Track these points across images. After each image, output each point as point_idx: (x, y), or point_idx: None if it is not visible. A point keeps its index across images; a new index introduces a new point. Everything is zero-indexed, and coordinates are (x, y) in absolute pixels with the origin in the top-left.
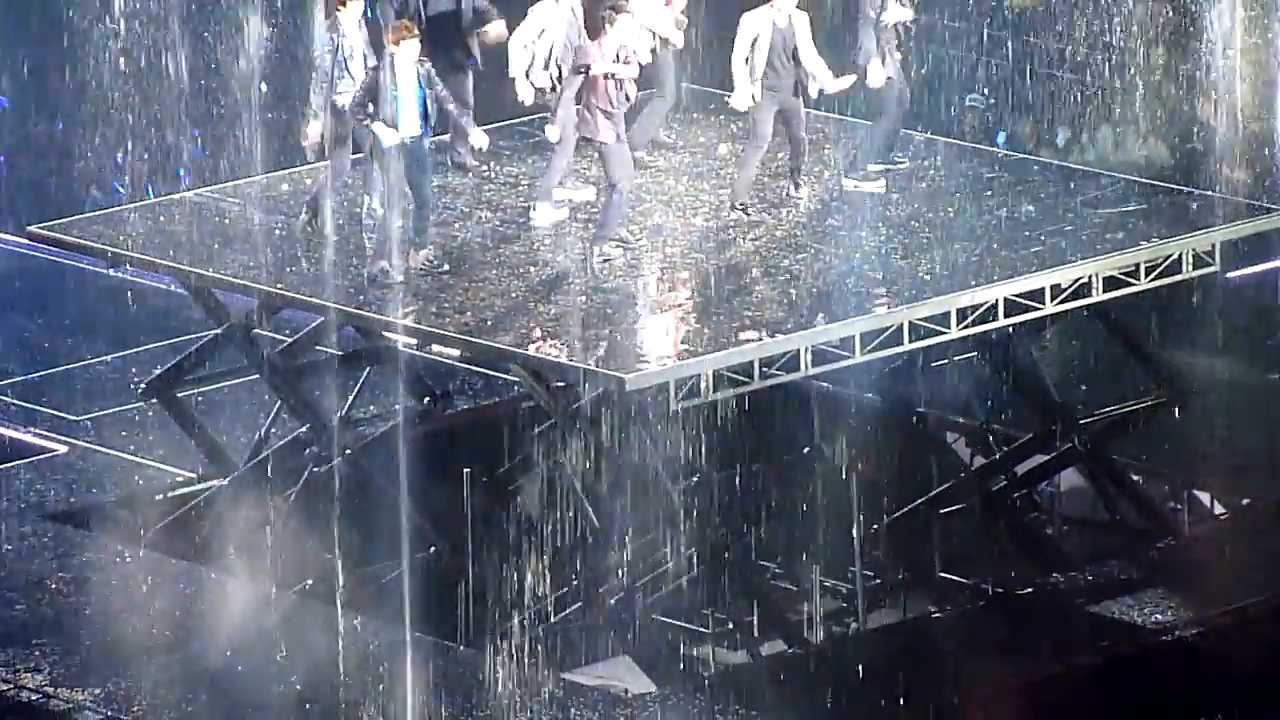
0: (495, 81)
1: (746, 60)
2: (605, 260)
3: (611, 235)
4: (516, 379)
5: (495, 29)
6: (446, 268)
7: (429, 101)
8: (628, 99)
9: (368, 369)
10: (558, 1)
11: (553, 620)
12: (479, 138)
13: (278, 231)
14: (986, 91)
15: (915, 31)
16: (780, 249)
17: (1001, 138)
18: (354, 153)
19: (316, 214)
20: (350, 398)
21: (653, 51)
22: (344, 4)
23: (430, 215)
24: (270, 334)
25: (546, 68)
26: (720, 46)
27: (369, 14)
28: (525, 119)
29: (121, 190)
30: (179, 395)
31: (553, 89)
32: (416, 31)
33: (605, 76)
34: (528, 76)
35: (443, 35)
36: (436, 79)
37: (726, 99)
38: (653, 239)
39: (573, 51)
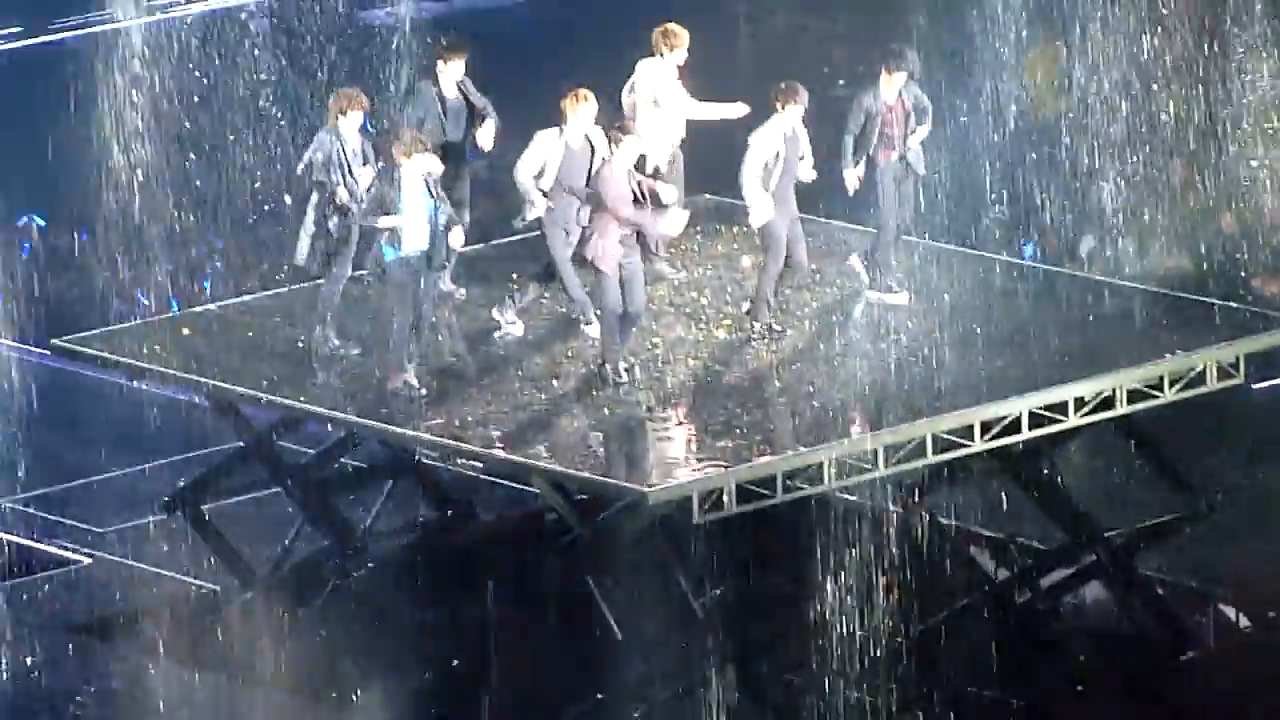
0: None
1: (761, 176)
2: (619, 379)
3: (616, 357)
4: (539, 492)
5: (486, 132)
6: (424, 392)
7: (438, 215)
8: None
9: (390, 482)
10: (560, 133)
11: None
12: (456, 238)
13: (300, 344)
14: (1007, 203)
15: (938, 142)
16: (802, 361)
17: (1030, 249)
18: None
19: (327, 326)
20: (373, 510)
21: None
22: (344, 112)
23: (423, 335)
24: (293, 446)
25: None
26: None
27: (366, 125)
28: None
29: (145, 302)
30: (203, 508)
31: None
32: (428, 145)
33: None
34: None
35: (451, 145)
36: (441, 193)
37: (745, 213)
38: (675, 351)
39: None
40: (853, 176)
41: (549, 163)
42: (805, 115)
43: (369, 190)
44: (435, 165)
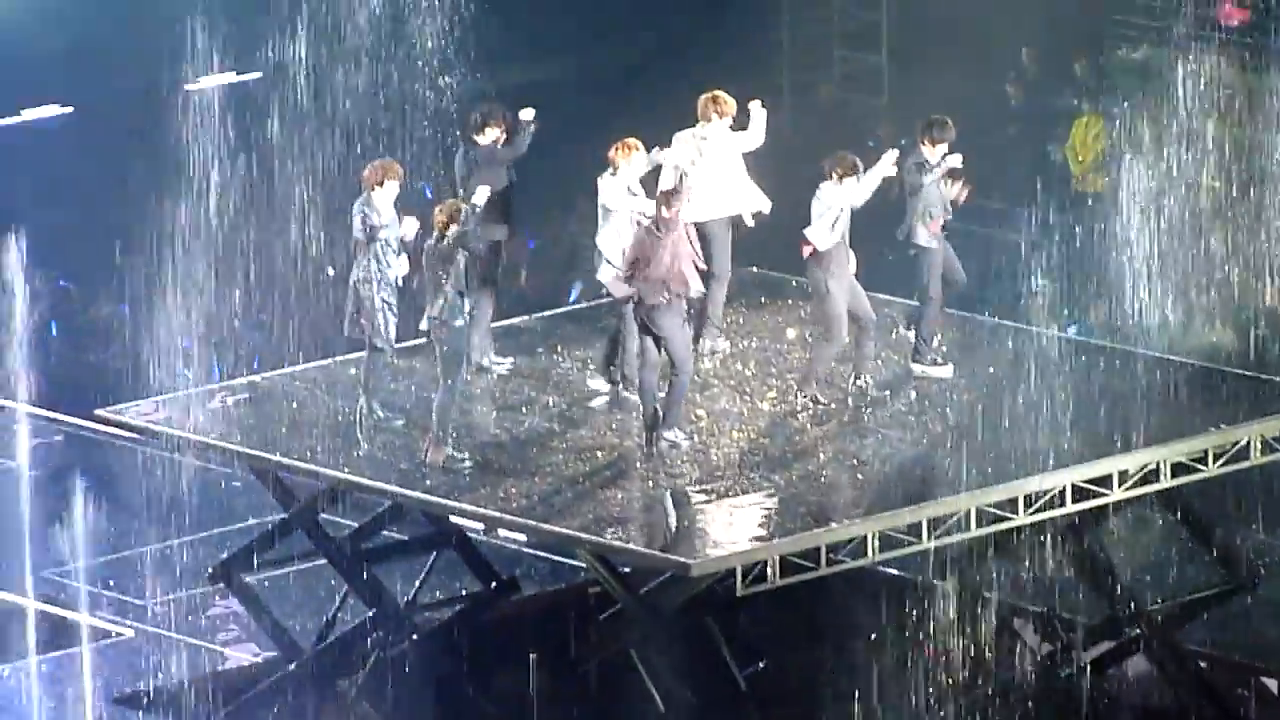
0: (560, 270)
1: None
2: (672, 445)
3: (675, 422)
4: (583, 564)
5: (481, 193)
6: (468, 464)
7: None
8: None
9: (434, 554)
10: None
11: None
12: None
13: (343, 415)
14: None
15: (984, 216)
16: (847, 433)
17: (1073, 330)
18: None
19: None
20: (417, 582)
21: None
22: (380, 183)
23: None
24: (337, 518)
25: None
26: (788, 227)
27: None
28: (590, 304)
29: (188, 374)
30: (246, 579)
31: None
32: (463, 213)
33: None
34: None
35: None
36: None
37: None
38: (719, 423)
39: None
40: (926, 233)
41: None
42: None
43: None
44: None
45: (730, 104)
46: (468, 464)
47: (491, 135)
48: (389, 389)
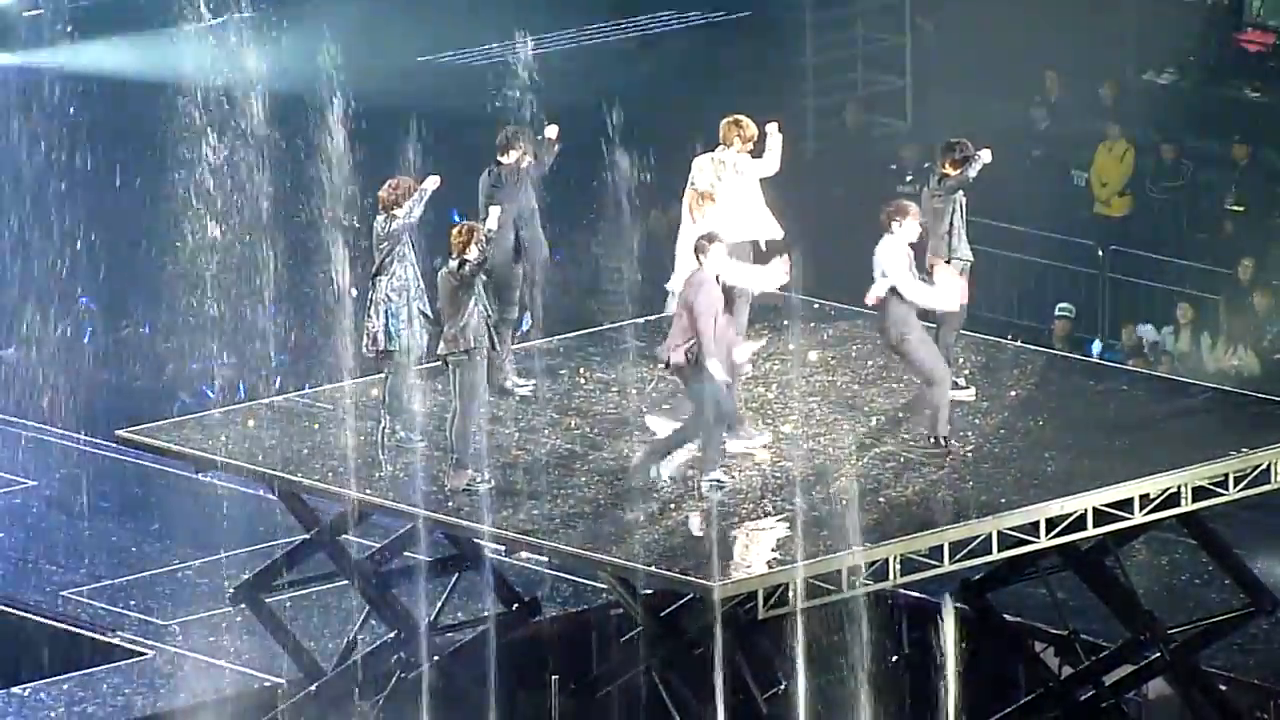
0: (585, 290)
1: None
2: (718, 485)
3: (716, 465)
4: (604, 586)
5: (493, 215)
6: (490, 484)
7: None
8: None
9: (456, 575)
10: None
11: None
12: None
13: (365, 436)
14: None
15: (1007, 239)
16: (869, 457)
17: (1097, 347)
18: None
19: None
20: (438, 604)
21: None
22: (399, 203)
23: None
24: (358, 539)
25: None
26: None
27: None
28: (612, 325)
29: (210, 394)
30: (267, 600)
31: None
32: (481, 235)
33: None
34: None
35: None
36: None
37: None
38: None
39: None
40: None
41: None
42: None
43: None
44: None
45: (752, 129)
46: (489, 486)
47: (514, 156)
48: (411, 409)
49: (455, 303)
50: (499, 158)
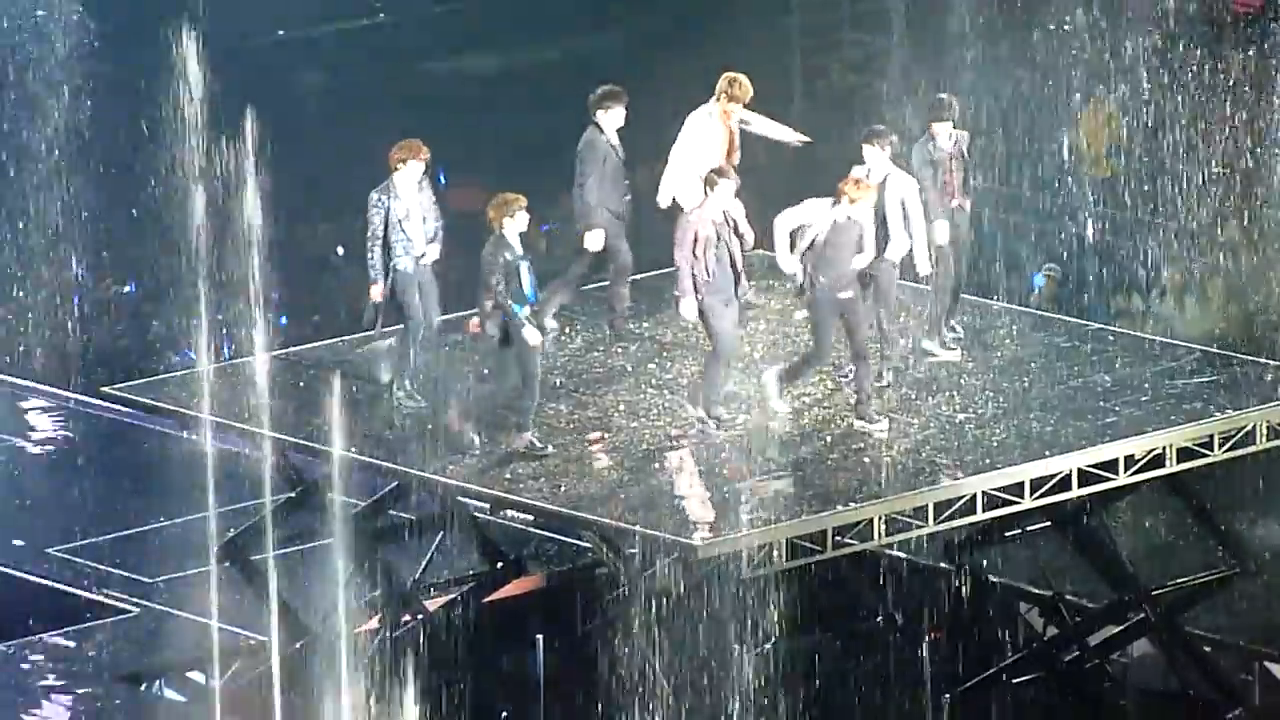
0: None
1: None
2: (717, 422)
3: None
4: (589, 545)
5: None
6: (550, 450)
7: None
8: (734, 268)
9: (441, 534)
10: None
11: None
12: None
13: (353, 394)
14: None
15: (994, 200)
16: (853, 417)
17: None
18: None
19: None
20: (424, 562)
21: None
22: (402, 163)
23: (536, 394)
24: (344, 498)
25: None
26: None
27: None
28: (599, 284)
29: (193, 355)
30: (253, 558)
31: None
32: (523, 203)
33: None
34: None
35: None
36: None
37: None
38: (727, 406)
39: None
40: (944, 229)
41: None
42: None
43: (429, 243)
44: (524, 224)
45: (747, 90)
46: (549, 450)
47: (616, 116)
48: (411, 372)
49: (512, 273)
50: (599, 113)
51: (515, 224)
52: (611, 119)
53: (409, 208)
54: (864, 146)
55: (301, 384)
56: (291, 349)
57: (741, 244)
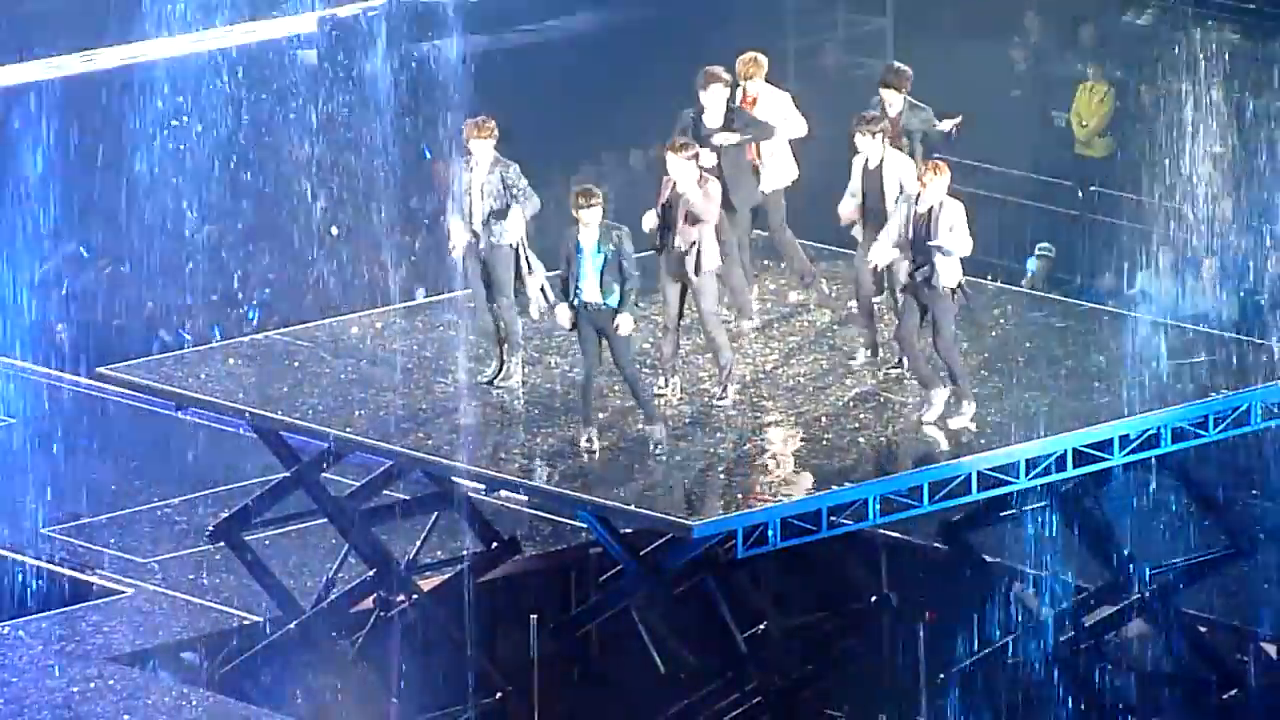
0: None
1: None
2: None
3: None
4: (584, 525)
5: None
6: (596, 448)
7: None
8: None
9: (435, 514)
10: None
11: None
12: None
13: (346, 374)
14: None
15: (987, 180)
16: (848, 397)
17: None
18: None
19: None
20: (418, 542)
21: None
22: (480, 133)
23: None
24: (338, 478)
25: None
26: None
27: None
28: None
29: (187, 337)
30: (246, 538)
31: None
32: (598, 199)
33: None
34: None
35: None
36: (628, 252)
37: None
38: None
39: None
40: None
41: None
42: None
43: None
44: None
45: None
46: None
47: (717, 94)
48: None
49: (570, 258)
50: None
51: (587, 215)
52: (714, 97)
53: (472, 181)
54: (882, 90)
55: (295, 363)
56: (285, 328)
57: (686, 218)
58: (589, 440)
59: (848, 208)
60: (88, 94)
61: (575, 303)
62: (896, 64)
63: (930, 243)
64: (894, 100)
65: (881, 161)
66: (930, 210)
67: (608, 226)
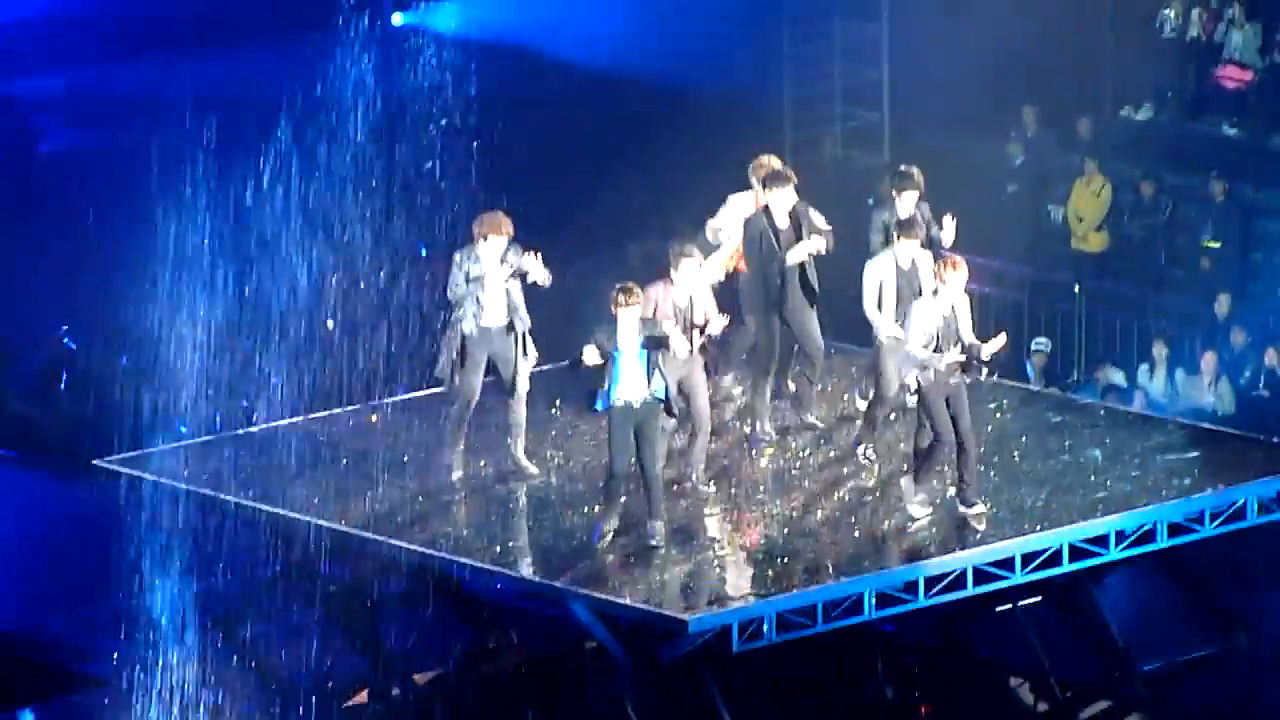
0: (562, 321)
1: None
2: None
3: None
4: (579, 619)
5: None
6: (607, 543)
7: (652, 366)
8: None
9: (430, 606)
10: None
11: None
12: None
13: (342, 466)
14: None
15: (983, 274)
16: (844, 491)
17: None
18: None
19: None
20: (412, 635)
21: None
22: (485, 236)
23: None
24: (334, 568)
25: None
26: None
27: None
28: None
29: (185, 430)
30: (241, 629)
31: None
32: (638, 297)
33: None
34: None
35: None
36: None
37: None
38: (717, 479)
39: None
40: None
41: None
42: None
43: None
44: (643, 314)
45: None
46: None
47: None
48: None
49: (606, 353)
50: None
51: (627, 315)
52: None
53: (484, 273)
54: (901, 194)
55: (293, 455)
56: (281, 420)
57: (703, 330)
58: (603, 537)
59: (888, 316)
60: None
61: (610, 404)
62: (913, 168)
63: (979, 349)
64: (912, 200)
65: (914, 262)
66: (953, 307)
67: (647, 323)
